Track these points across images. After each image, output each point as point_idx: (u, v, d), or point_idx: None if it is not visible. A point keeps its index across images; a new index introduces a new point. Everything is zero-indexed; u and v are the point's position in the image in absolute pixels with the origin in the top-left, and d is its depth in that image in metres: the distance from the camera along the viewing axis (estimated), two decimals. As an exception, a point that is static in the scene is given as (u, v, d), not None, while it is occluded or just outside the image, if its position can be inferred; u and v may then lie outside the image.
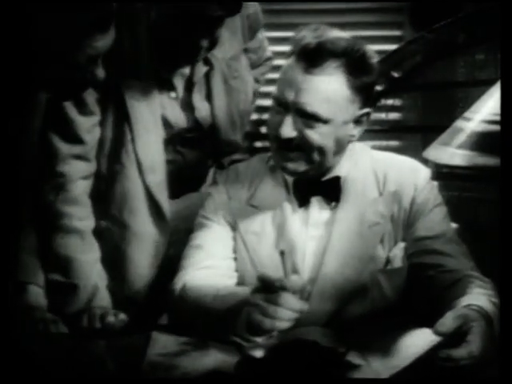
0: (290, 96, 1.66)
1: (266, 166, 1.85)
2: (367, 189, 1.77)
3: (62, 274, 1.87)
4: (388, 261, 1.75)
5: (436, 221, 1.77)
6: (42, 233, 1.88)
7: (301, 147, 1.69)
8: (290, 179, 1.79)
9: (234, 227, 1.81)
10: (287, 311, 1.44)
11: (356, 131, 1.73)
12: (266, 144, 2.87)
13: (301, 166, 1.72)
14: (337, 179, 1.77)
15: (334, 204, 1.76)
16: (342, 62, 1.65)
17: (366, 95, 1.70)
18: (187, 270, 1.76)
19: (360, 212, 1.75)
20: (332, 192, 1.76)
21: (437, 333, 1.44)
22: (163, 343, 1.59)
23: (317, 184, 1.77)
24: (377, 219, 1.75)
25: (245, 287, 1.66)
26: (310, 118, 1.66)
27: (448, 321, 1.45)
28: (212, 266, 1.76)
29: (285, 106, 1.68)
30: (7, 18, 1.46)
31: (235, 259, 1.80)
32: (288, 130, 1.67)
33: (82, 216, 1.91)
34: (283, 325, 1.44)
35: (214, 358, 1.52)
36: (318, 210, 1.76)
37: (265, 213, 1.78)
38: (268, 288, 1.44)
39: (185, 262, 1.79)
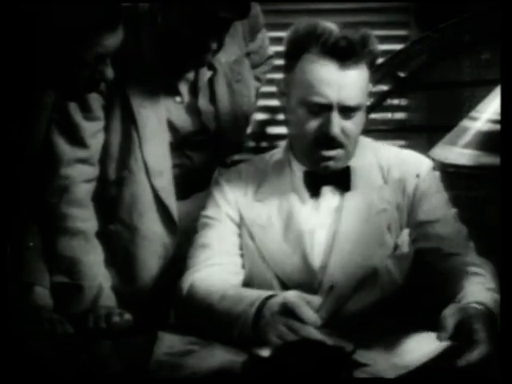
0: (332, 94, 1.69)
1: (269, 163, 1.86)
2: (373, 177, 1.80)
3: (67, 276, 1.87)
4: (396, 247, 1.77)
5: (436, 205, 1.80)
6: (46, 234, 1.89)
7: (341, 143, 1.72)
8: (299, 171, 1.80)
9: (239, 224, 1.81)
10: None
11: None
12: (270, 144, 2.88)
13: (340, 162, 1.76)
14: (347, 169, 1.79)
15: (345, 193, 1.78)
16: (365, 51, 1.71)
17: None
18: (194, 268, 1.77)
19: (367, 199, 1.78)
20: (343, 182, 1.78)
21: (440, 340, 1.47)
22: (170, 342, 1.60)
23: (328, 174, 1.78)
24: (384, 205, 1.78)
25: (252, 290, 1.68)
26: (352, 111, 1.71)
27: (447, 324, 1.48)
28: (218, 263, 1.77)
29: (328, 107, 1.70)
30: (15, 16, 1.47)
31: (241, 255, 1.80)
32: (337, 128, 1.70)
33: (85, 218, 1.92)
34: None
35: (220, 358, 1.52)
36: (329, 199, 1.78)
37: (270, 206, 1.79)
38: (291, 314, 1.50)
39: (191, 262, 1.80)
